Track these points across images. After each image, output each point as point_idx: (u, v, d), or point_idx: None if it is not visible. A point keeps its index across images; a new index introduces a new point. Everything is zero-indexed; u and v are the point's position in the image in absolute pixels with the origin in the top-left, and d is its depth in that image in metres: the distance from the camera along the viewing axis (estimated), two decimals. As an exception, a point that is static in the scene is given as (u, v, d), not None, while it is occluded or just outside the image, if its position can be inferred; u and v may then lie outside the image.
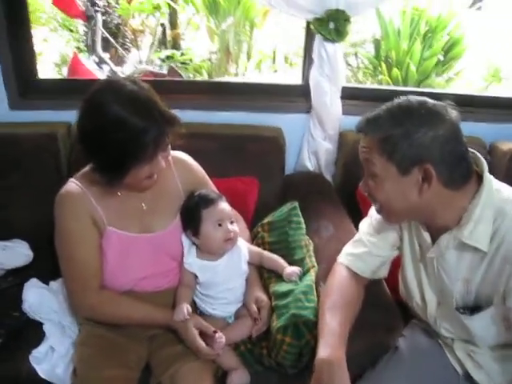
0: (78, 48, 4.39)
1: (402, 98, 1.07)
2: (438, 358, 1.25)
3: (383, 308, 1.30)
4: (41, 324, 1.41)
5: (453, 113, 1.04)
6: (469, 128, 1.67)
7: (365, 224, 1.33)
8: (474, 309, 1.12)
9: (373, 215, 1.31)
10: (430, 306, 1.23)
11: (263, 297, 1.35)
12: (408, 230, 1.25)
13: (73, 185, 1.30)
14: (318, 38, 1.83)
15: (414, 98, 1.06)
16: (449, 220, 1.09)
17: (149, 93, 1.20)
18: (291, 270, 1.38)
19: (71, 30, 4.42)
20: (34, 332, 1.40)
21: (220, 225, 1.34)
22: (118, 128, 1.14)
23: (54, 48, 4.27)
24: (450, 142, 1.01)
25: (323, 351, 1.09)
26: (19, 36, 1.83)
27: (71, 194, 1.28)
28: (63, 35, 4.57)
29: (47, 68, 4.29)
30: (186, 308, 1.27)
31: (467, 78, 4.44)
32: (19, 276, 1.63)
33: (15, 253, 1.68)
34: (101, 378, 1.23)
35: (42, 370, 1.30)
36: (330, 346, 1.09)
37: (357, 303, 1.24)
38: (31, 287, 1.50)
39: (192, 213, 1.36)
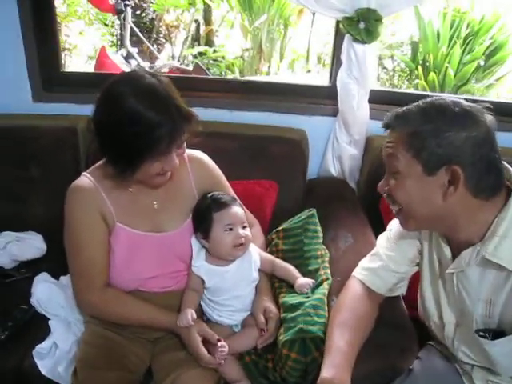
0: (113, 42, 4.44)
1: (436, 97, 1.00)
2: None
3: (398, 327, 1.22)
4: (47, 319, 1.41)
5: (488, 117, 0.96)
6: (507, 139, 1.58)
7: (383, 238, 1.26)
8: (496, 333, 1.02)
9: (392, 229, 1.23)
10: (447, 327, 1.14)
11: (272, 307, 1.29)
12: (428, 243, 1.17)
13: (84, 179, 1.28)
14: (347, 39, 1.75)
15: (448, 98, 0.99)
16: (472, 233, 1.01)
17: (167, 87, 1.17)
18: (304, 281, 1.32)
19: (106, 24, 4.46)
20: (39, 326, 1.40)
21: (231, 229, 1.29)
22: (133, 121, 1.11)
23: (89, 41, 4.32)
24: (483, 146, 0.94)
25: (327, 371, 1.03)
26: (45, 29, 1.84)
27: (82, 189, 1.26)
28: (100, 28, 4.62)
29: (81, 61, 4.35)
30: (190, 314, 1.22)
31: (510, 84, 4.24)
32: (31, 268, 1.64)
33: (29, 245, 1.69)
34: (100, 380, 1.21)
35: (43, 367, 1.30)
36: (335, 367, 1.03)
37: (369, 322, 1.17)
38: (41, 281, 1.50)
39: (203, 215, 1.32)
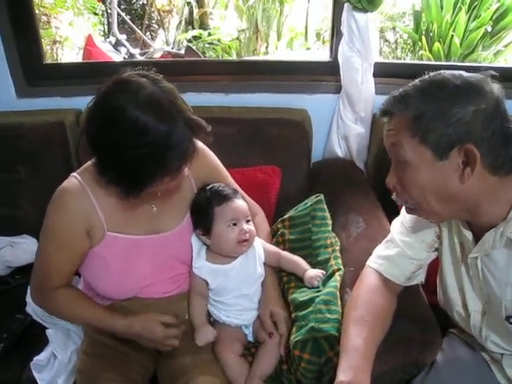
0: (104, 31, 4.32)
1: (434, 73, 0.92)
2: (482, 375, 1.08)
3: (419, 319, 1.12)
4: (45, 328, 1.34)
5: (495, 86, 0.88)
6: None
7: (397, 223, 1.17)
8: None
9: (405, 212, 1.13)
10: (473, 316, 1.06)
11: (278, 310, 1.20)
12: (448, 227, 1.08)
13: (73, 181, 1.14)
14: (346, 8, 1.63)
15: (447, 72, 0.91)
16: (494, 215, 0.93)
17: (171, 97, 1.02)
18: (313, 273, 1.22)
19: (96, 13, 4.33)
20: (37, 336, 1.35)
21: (235, 224, 1.20)
22: (143, 143, 0.98)
23: (80, 32, 4.21)
24: (494, 118, 0.86)
25: (344, 374, 0.94)
26: (23, 19, 1.73)
27: (69, 193, 1.13)
28: (90, 18, 4.50)
29: (74, 53, 4.25)
30: (211, 333, 1.18)
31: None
32: (27, 274, 1.54)
33: (23, 250, 1.62)
34: (102, 393, 1.13)
35: (42, 380, 1.24)
36: (353, 368, 0.95)
37: (387, 316, 1.08)
38: (35, 288, 1.42)
39: (203, 210, 1.22)
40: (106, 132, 1.00)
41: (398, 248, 1.12)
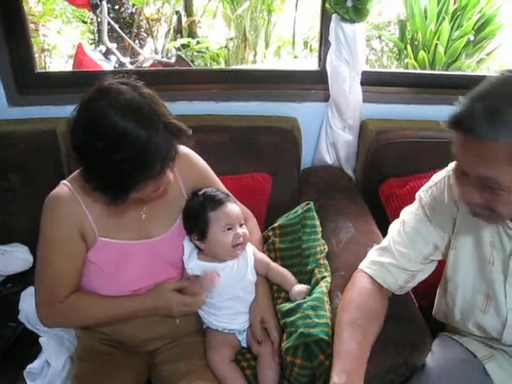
0: (93, 39, 4.31)
1: (506, 74, 0.81)
2: (474, 377, 1.08)
3: (408, 321, 1.14)
4: (38, 336, 1.33)
5: None
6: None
7: (395, 230, 1.16)
8: None
9: (405, 220, 1.13)
10: (510, 315, 1.03)
11: (269, 317, 1.23)
12: (474, 228, 1.03)
13: (64, 188, 1.16)
14: (334, 19, 1.66)
15: None
16: None
17: (151, 102, 1.03)
18: (298, 289, 1.24)
19: (84, 22, 4.33)
20: (30, 344, 1.35)
21: (230, 229, 1.22)
22: (121, 147, 0.99)
23: (68, 40, 4.20)
24: None
25: (338, 377, 0.95)
26: (15, 28, 1.73)
27: (60, 200, 1.15)
28: (78, 26, 4.49)
29: (62, 61, 4.23)
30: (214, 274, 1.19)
31: (500, 59, 4.16)
32: (18, 282, 1.57)
33: (14, 258, 1.61)
34: (97, 398, 1.14)
35: (36, 388, 1.22)
36: (347, 372, 0.96)
37: (380, 319, 1.09)
38: (28, 296, 1.42)
39: (197, 215, 1.22)
40: (87, 138, 1.01)
41: (394, 259, 1.12)
